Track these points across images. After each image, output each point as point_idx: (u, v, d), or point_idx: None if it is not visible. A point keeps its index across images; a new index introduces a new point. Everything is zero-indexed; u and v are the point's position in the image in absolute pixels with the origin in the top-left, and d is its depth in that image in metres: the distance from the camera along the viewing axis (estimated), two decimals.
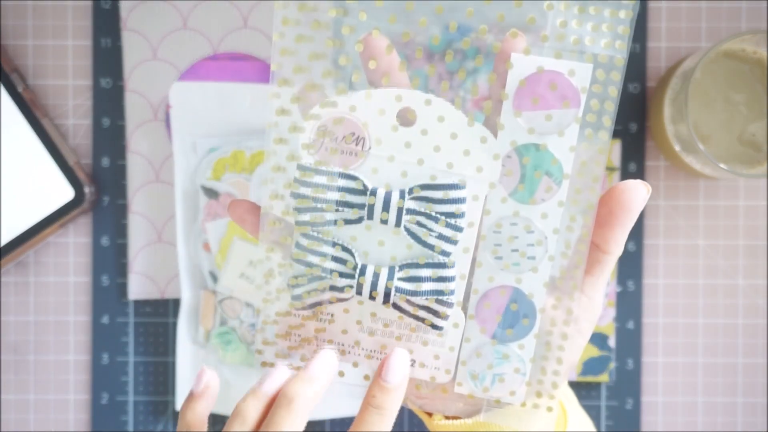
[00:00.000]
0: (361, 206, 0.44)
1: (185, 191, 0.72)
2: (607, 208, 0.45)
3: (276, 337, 0.47)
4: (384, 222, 0.44)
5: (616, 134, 0.73)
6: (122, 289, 0.73)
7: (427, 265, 0.45)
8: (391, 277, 0.45)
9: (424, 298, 0.45)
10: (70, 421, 0.73)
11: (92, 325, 0.73)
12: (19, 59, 0.73)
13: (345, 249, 0.45)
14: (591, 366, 0.72)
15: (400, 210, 0.44)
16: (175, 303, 0.73)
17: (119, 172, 0.73)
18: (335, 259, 0.45)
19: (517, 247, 0.45)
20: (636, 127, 0.73)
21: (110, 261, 0.73)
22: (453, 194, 0.44)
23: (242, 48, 0.72)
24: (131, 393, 0.73)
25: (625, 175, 0.72)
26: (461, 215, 0.44)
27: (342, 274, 0.45)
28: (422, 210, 0.44)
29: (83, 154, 0.73)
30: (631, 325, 0.73)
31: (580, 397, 0.73)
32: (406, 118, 0.44)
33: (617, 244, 0.45)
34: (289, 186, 0.45)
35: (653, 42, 0.73)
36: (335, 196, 0.44)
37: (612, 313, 0.72)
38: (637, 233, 0.73)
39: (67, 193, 0.71)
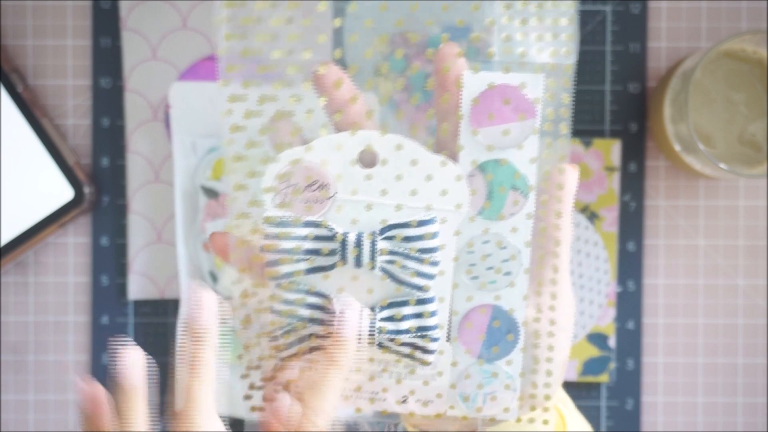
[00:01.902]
0: (332, 252, 0.44)
1: (185, 191, 0.72)
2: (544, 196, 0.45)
3: (262, 381, 0.46)
4: (358, 265, 0.44)
5: (616, 134, 0.73)
6: (122, 289, 0.73)
7: (407, 303, 0.45)
8: (370, 319, 0.44)
9: (408, 335, 0.45)
10: (69, 422, 0.73)
11: (92, 326, 0.73)
12: (18, 59, 0.73)
13: (321, 295, 0.44)
14: (591, 366, 0.72)
15: (373, 252, 0.44)
16: (175, 303, 0.73)
17: (119, 172, 0.73)
18: (313, 306, 0.45)
19: (492, 265, 0.45)
20: (636, 127, 0.73)
21: (110, 261, 0.73)
22: (425, 229, 0.44)
23: None
24: None
25: (626, 175, 0.72)
26: (435, 249, 0.44)
27: (321, 321, 0.45)
28: (395, 249, 0.44)
29: (83, 154, 0.73)
30: (631, 325, 0.72)
31: (580, 397, 0.73)
32: (367, 159, 0.44)
33: (564, 231, 0.45)
34: (254, 204, 0.45)
35: (653, 42, 0.73)
36: (305, 245, 0.44)
37: (612, 313, 0.72)
38: (637, 233, 0.73)
39: (66, 193, 0.71)
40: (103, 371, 0.73)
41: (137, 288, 0.73)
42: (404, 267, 0.44)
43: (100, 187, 0.73)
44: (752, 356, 0.73)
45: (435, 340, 0.45)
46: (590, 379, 0.72)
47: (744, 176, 0.64)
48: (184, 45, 0.72)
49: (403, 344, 0.45)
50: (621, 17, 0.72)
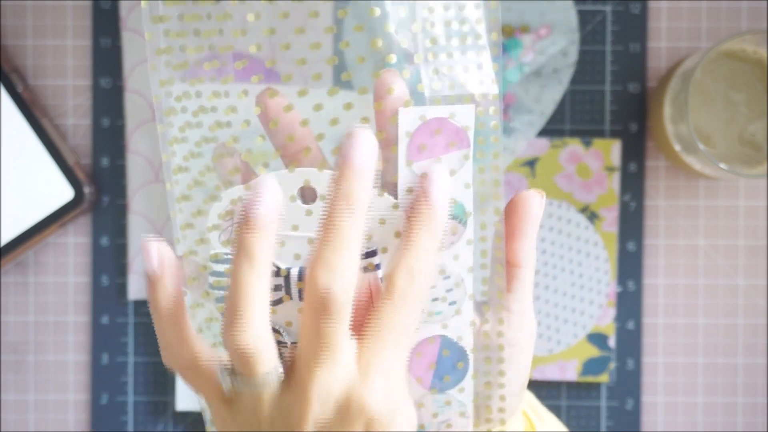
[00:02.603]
0: (278, 287, 0.44)
1: None
2: (508, 222, 0.45)
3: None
4: (301, 300, 0.44)
5: (616, 134, 0.73)
6: (122, 289, 0.73)
7: None
8: None
9: None
10: (69, 422, 0.73)
11: (92, 326, 0.73)
12: (18, 59, 0.73)
13: (273, 329, 0.45)
14: (591, 366, 0.72)
15: None
16: None
17: (119, 172, 0.73)
18: None
19: (437, 296, 0.45)
20: (636, 127, 0.73)
21: (110, 261, 0.73)
22: (366, 262, 0.44)
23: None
24: (131, 393, 0.73)
25: (626, 175, 0.72)
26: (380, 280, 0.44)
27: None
28: None
29: (83, 154, 0.73)
30: (631, 325, 0.73)
31: (580, 397, 0.73)
32: (308, 194, 0.44)
33: (527, 254, 0.46)
34: (201, 242, 0.45)
35: (653, 42, 0.73)
36: None
37: (612, 313, 0.72)
38: (637, 233, 0.73)
39: (66, 193, 0.71)
40: (103, 371, 0.73)
41: (137, 288, 0.73)
42: None
43: (100, 187, 0.73)
44: (752, 356, 0.73)
45: None
46: (590, 379, 0.72)
47: (744, 176, 0.64)
48: None
49: None
50: (621, 17, 0.72)
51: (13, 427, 0.73)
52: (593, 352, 0.72)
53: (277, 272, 0.44)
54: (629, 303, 0.73)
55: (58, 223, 0.71)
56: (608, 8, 0.72)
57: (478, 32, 0.44)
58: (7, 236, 0.71)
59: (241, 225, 0.40)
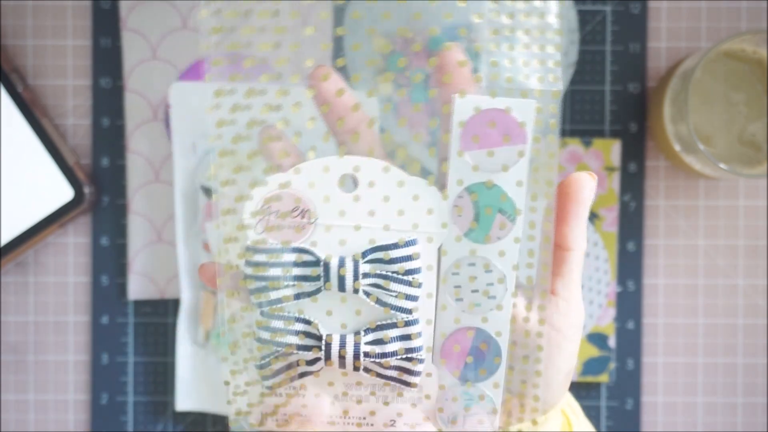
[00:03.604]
0: (315, 278, 0.44)
1: (185, 191, 0.72)
2: (559, 204, 0.45)
3: (249, 407, 0.46)
4: (342, 289, 0.44)
5: (616, 134, 0.73)
6: (122, 289, 0.73)
7: (391, 326, 0.44)
8: (357, 342, 0.44)
9: (395, 358, 0.45)
10: (69, 422, 0.73)
11: (92, 326, 0.73)
12: (18, 59, 0.73)
13: (306, 321, 0.44)
14: (591, 366, 0.72)
15: (356, 275, 0.44)
16: (175, 303, 0.73)
17: (119, 172, 0.73)
18: (298, 332, 0.44)
19: (478, 288, 0.44)
20: (636, 127, 0.73)
21: (110, 261, 0.73)
22: (406, 251, 0.44)
23: None
24: (131, 393, 0.73)
25: (626, 175, 0.72)
26: (418, 270, 0.44)
27: (307, 347, 0.44)
28: (378, 272, 0.44)
29: (83, 154, 0.73)
30: (631, 325, 0.73)
31: (580, 397, 0.73)
32: (349, 183, 0.44)
33: (577, 237, 0.45)
34: (242, 228, 0.44)
35: (653, 42, 0.73)
36: (292, 270, 0.44)
37: (612, 313, 0.72)
38: (637, 233, 0.73)
39: (66, 193, 0.71)
40: (103, 371, 0.73)
41: (137, 288, 0.73)
42: (389, 289, 0.44)
43: (100, 187, 0.73)
44: (752, 356, 0.73)
45: (421, 361, 0.45)
46: (590, 379, 0.72)
47: (744, 176, 0.64)
48: (184, 45, 0.72)
49: (390, 367, 0.45)
50: (621, 17, 0.72)
51: (13, 427, 0.73)
52: (593, 351, 0.72)
53: (318, 261, 0.44)
54: (629, 303, 0.73)
55: (58, 223, 0.71)
56: (608, 8, 0.72)
57: (545, 24, 0.43)
58: (7, 236, 0.71)
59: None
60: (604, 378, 0.72)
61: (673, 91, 0.66)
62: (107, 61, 0.73)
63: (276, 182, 0.44)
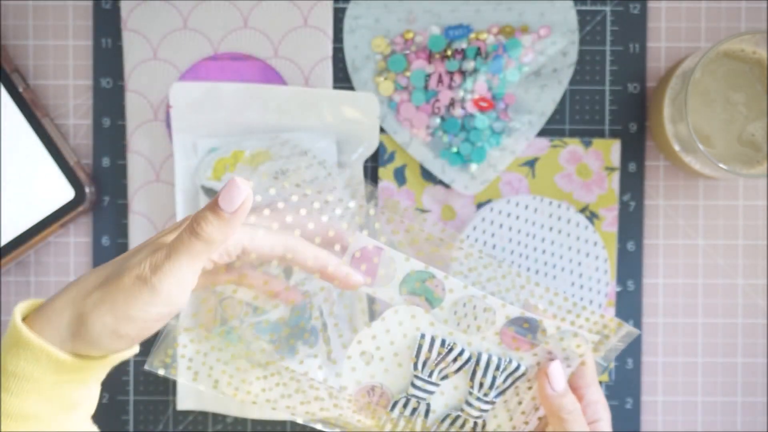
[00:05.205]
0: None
1: (185, 191, 0.72)
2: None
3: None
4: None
5: (615, 134, 0.73)
6: None
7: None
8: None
9: None
10: None
11: None
12: (19, 59, 0.73)
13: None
14: None
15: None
16: None
17: (119, 172, 0.73)
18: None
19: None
20: (636, 127, 0.73)
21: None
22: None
23: (242, 48, 0.72)
24: (131, 393, 0.73)
25: (625, 175, 0.72)
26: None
27: None
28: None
29: (84, 154, 0.73)
30: (631, 324, 0.73)
31: None
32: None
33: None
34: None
35: (653, 42, 0.73)
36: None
37: (612, 312, 0.72)
38: (637, 233, 0.73)
39: (67, 193, 0.71)
40: None
41: None
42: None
43: (101, 186, 0.73)
44: (752, 356, 0.73)
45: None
46: None
47: (743, 176, 0.64)
48: (184, 45, 0.72)
49: None
50: (621, 17, 0.72)
51: None
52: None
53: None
54: (629, 303, 0.73)
55: (58, 222, 0.71)
56: (608, 8, 0.72)
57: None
58: (8, 236, 0.71)
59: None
60: (604, 377, 0.72)
61: (672, 91, 0.66)
62: (108, 61, 0.73)
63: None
